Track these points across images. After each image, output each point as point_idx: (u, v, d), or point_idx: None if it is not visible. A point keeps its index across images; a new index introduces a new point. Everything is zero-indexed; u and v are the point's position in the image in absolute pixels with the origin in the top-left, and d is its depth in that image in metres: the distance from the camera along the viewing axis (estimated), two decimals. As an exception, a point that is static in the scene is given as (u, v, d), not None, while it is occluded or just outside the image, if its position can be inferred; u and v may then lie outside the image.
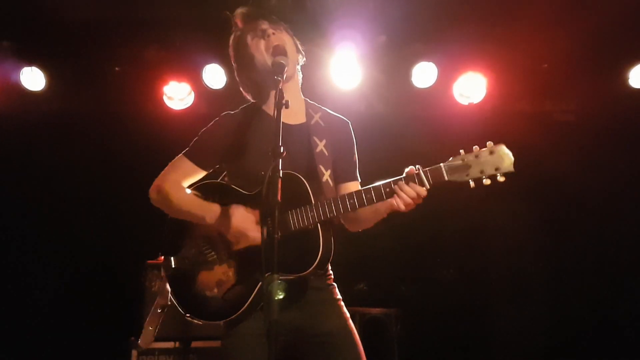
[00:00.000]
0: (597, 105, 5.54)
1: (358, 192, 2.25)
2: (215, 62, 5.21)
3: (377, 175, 2.32)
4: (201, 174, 2.51)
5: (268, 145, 2.01)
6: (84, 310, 5.59)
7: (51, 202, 5.57)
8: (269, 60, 2.39)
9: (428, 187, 2.16)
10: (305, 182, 2.30)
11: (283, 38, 2.45)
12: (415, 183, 2.16)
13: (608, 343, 5.63)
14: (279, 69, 2.26)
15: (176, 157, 2.52)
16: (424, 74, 5.24)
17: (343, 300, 2.53)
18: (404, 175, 2.19)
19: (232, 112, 2.57)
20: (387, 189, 2.20)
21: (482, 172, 2.11)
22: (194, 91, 5.44)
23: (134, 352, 4.33)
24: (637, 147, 5.48)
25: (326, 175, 2.43)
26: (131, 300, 4.67)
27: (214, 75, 5.24)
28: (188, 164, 2.48)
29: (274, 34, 2.43)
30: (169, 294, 2.48)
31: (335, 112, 2.67)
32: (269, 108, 2.52)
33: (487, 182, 2.12)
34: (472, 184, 2.14)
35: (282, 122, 2.06)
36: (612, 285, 5.66)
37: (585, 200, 5.65)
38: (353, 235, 2.61)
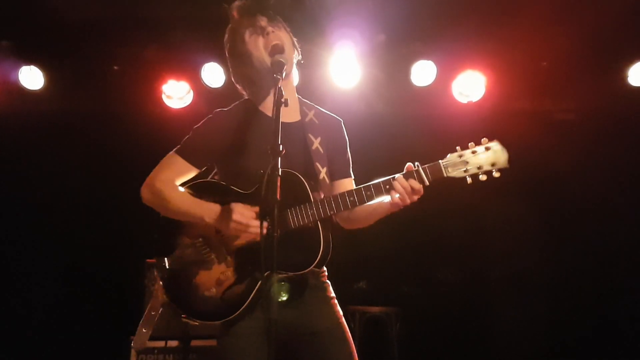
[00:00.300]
0: (596, 104, 5.54)
1: (358, 190, 2.26)
2: (214, 61, 5.20)
3: (376, 173, 2.32)
4: (193, 172, 2.46)
5: (265, 144, 1.99)
6: (83, 310, 5.59)
7: (50, 201, 5.57)
8: (267, 59, 2.36)
9: (427, 183, 2.20)
10: (303, 180, 2.29)
11: (281, 36, 2.42)
12: (415, 179, 2.19)
13: (608, 343, 5.64)
14: (278, 67, 2.25)
15: (167, 155, 2.47)
16: (423, 73, 5.24)
17: (343, 299, 2.52)
18: (404, 172, 2.22)
19: (225, 110, 2.53)
20: (387, 186, 2.22)
21: (479, 168, 2.18)
22: (192, 90, 5.44)
23: (134, 351, 4.33)
24: (637, 145, 5.47)
25: (323, 173, 2.43)
26: (131, 300, 4.67)
27: (213, 74, 5.24)
28: (180, 162, 2.43)
29: (273, 32, 2.40)
30: (164, 295, 2.44)
31: (333, 110, 2.67)
32: (265, 106, 2.50)
33: (483, 177, 2.19)
34: (469, 180, 2.19)
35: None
36: (612, 285, 5.66)
37: (586, 199, 5.65)
38: (353, 234, 2.61)
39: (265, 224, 1.95)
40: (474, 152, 2.19)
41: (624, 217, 5.62)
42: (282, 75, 2.21)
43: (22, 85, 5.24)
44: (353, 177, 2.60)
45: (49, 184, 5.56)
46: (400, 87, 5.42)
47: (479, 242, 6.02)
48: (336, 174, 2.55)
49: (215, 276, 2.34)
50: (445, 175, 2.20)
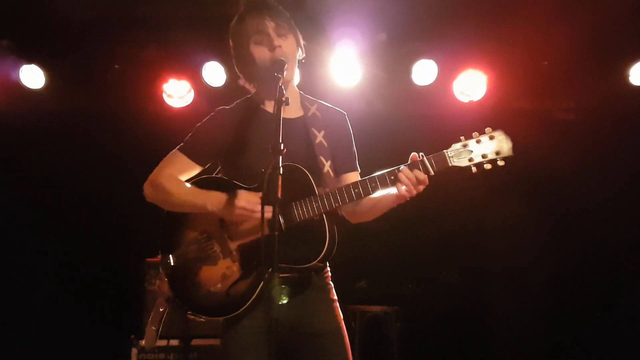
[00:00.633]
0: (597, 103, 5.53)
1: (363, 181, 2.25)
2: (215, 60, 5.19)
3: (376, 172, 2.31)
4: (196, 169, 2.46)
5: (267, 142, 1.99)
6: (84, 309, 5.59)
7: (51, 200, 5.56)
8: (269, 59, 2.36)
9: (432, 173, 2.19)
10: (307, 173, 2.29)
11: (288, 48, 2.40)
12: (420, 170, 2.18)
13: (608, 342, 5.64)
14: (279, 66, 2.25)
15: (170, 152, 2.47)
16: (424, 72, 5.23)
17: (344, 298, 2.52)
18: (409, 162, 2.21)
19: (228, 107, 2.54)
20: (392, 177, 2.21)
21: (484, 156, 2.18)
22: (193, 89, 5.43)
23: (134, 351, 4.33)
24: (638, 144, 5.47)
25: (327, 166, 2.42)
26: (131, 299, 4.67)
27: (214, 73, 5.23)
28: (183, 159, 2.43)
29: (279, 47, 2.37)
30: (170, 292, 2.45)
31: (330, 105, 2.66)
32: (268, 103, 2.51)
33: (488, 166, 2.19)
34: (474, 169, 2.19)
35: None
36: (612, 285, 5.66)
37: (586, 199, 5.65)
38: (353, 233, 2.61)
39: (268, 217, 1.94)
40: (478, 141, 2.18)
41: (624, 216, 5.62)
42: (282, 74, 2.21)
43: (23, 84, 5.24)
44: (359, 170, 2.58)
45: (49, 183, 5.56)
46: (401, 86, 5.42)
47: (479, 242, 6.01)
48: (341, 167, 2.53)
49: (221, 271, 2.34)
50: (450, 164, 2.19)
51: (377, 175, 2.24)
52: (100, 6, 4.78)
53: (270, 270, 1.83)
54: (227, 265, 2.34)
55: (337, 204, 2.25)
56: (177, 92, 5.41)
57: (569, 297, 5.73)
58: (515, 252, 5.85)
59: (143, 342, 3.97)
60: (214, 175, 2.53)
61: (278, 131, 2.00)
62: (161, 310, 3.32)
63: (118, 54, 5.31)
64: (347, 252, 2.50)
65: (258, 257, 2.25)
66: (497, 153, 2.17)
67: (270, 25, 2.39)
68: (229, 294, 2.31)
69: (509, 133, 2.19)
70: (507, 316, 5.75)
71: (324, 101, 2.65)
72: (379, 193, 2.28)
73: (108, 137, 5.56)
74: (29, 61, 5.19)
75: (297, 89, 2.61)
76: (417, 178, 2.18)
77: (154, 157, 2.49)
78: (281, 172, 1.93)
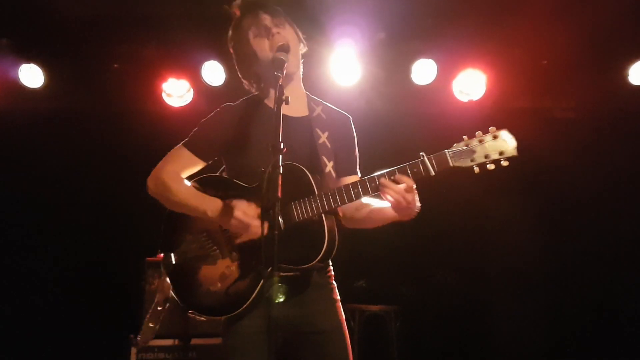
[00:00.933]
0: (596, 102, 5.54)
1: (362, 181, 2.22)
2: (214, 59, 5.19)
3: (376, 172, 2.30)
4: (200, 165, 2.47)
5: (269, 140, 1.98)
6: (83, 309, 5.58)
7: (50, 199, 5.56)
8: (270, 56, 2.36)
9: (433, 173, 2.14)
10: (307, 173, 2.28)
11: (287, 35, 2.42)
12: (420, 170, 2.14)
13: (608, 342, 5.64)
14: (278, 64, 2.24)
15: (175, 147, 2.48)
16: (423, 71, 5.23)
17: (343, 297, 2.51)
18: (409, 162, 2.17)
19: (233, 104, 2.54)
20: (392, 177, 2.18)
21: (486, 156, 2.10)
22: (193, 88, 5.43)
23: (133, 350, 4.33)
24: (637, 144, 5.47)
25: (329, 167, 2.42)
26: (130, 298, 4.67)
27: (213, 72, 5.23)
28: (187, 155, 2.44)
29: (278, 33, 2.40)
30: (170, 291, 2.45)
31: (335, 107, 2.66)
32: (271, 101, 2.50)
33: (491, 167, 2.12)
34: (476, 169, 2.12)
35: (284, 115, 2.04)
36: (612, 284, 5.66)
37: (585, 197, 5.65)
38: (353, 233, 2.60)
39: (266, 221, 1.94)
40: (481, 141, 2.11)
41: (624, 215, 5.62)
42: (282, 73, 2.20)
43: (22, 83, 5.24)
44: (359, 175, 2.57)
45: (48, 182, 5.55)
46: (401, 85, 5.42)
47: (478, 241, 6.02)
48: (342, 170, 2.53)
49: (220, 271, 2.34)
50: (451, 165, 2.12)
51: (376, 175, 2.22)
52: (99, 5, 4.77)
53: (269, 269, 1.83)
54: (226, 264, 2.34)
55: (336, 204, 2.23)
56: (176, 91, 5.41)
57: (568, 296, 5.73)
58: (514, 252, 5.85)
59: (139, 339, 3.96)
60: (217, 173, 2.53)
61: (278, 130, 1.99)
62: (159, 309, 3.31)
63: (117, 53, 5.30)
64: (346, 251, 2.50)
65: (257, 257, 2.25)
66: (501, 153, 2.09)
67: (266, 18, 2.43)
68: (229, 293, 2.31)
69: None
70: (506, 315, 5.75)
71: (327, 102, 2.65)
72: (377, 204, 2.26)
73: (107, 137, 5.56)
74: (28, 60, 5.19)
75: (304, 90, 2.61)
76: (404, 189, 2.14)
77: (154, 156, 2.49)
78: (281, 172, 1.93)
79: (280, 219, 2.20)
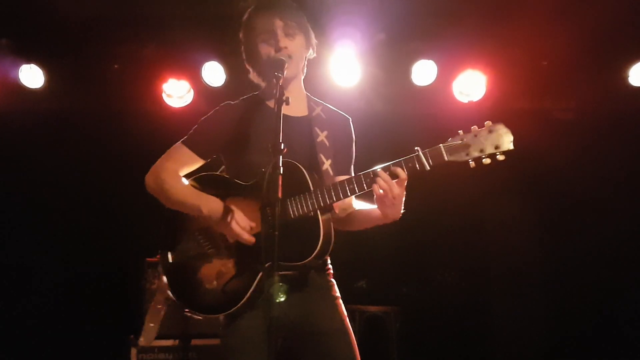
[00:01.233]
0: (596, 103, 5.54)
1: (357, 177, 2.22)
2: (214, 60, 5.19)
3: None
4: (199, 163, 2.47)
5: (269, 140, 1.99)
6: (83, 309, 5.58)
7: (50, 200, 5.56)
8: (272, 56, 2.38)
9: (428, 168, 2.13)
10: (303, 169, 2.27)
11: (295, 47, 2.42)
12: (415, 164, 2.14)
13: (608, 342, 5.64)
14: (279, 65, 2.25)
15: (174, 145, 2.48)
16: (423, 72, 5.23)
17: (343, 297, 2.51)
18: (404, 157, 2.16)
19: (233, 102, 2.55)
20: (387, 172, 2.17)
21: (481, 151, 2.09)
22: (193, 89, 5.43)
23: (134, 350, 4.33)
24: (637, 145, 5.48)
25: (326, 164, 2.41)
26: (131, 299, 4.67)
27: (214, 73, 5.23)
28: (186, 152, 2.44)
29: (286, 47, 2.38)
30: (167, 290, 2.45)
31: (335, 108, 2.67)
32: (272, 101, 2.51)
33: (487, 161, 2.09)
34: (472, 163, 2.10)
35: (284, 115, 2.05)
36: (612, 284, 5.66)
37: (585, 198, 5.65)
38: (353, 233, 2.61)
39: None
40: (476, 135, 2.09)
41: (624, 215, 5.62)
42: (282, 73, 2.21)
43: (22, 83, 5.23)
44: (353, 175, 2.57)
45: (48, 182, 5.55)
46: (401, 86, 5.42)
47: (478, 241, 6.02)
48: (339, 169, 2.52)
49: (216, 269, 2.34)
50: (446, 159, 2.11)
51: (372, 170, 2.20)
52: (99, 6, 4.77)
53: (267, 267, 1.82)
54: (223, 262, 2.33)
55: (331, 200, 2.22)
56: (176, 92, 5.41)
57: (568, 297, 5.73)
58: (514, 252, 5.86)
59: (142, 339, 3.96)
60: (218, 172, 2.53)
61: (278, 131, 1.99)
62: (159, 307, 3.32)
63: (117, 54, 5.30)
64: (346, 252, 2.50)
65: (254, 254, 2.25)
66: (497, 147, 2.07)
67: (278, 25, 2.40)
68: (225, 291, 2.30)
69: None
70: (507, 316, 5.75)
71: (327, 102, 2.65)
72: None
73: (107, 137, 5.56)
74: (28, 61, 5.18)
75: (305, 91, 2.62)
76: (394, 178, 2.13)
77: (154, 156, 2.49)
78: (281, 172, 1.93)
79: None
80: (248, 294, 2.26)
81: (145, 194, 2.47)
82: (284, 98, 2.08)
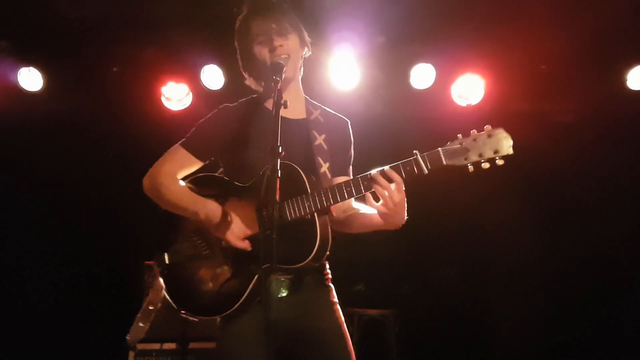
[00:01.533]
0: (595, 107, 5.55)
1: (355, 180, 2.20)
2: (213, 63, 5.20)
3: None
4: (197, 165, 2.47)
5: (267, 142, 1.99)
6: (82, 311, 5.57)
7: (49, 202, 5.56)
8: (268, 61, 2.38)
9: (426, 171, 2.11)
10: (301, 172, 2.27)
11: (290, 46, 2.42)
12: (413, 168, 2.12)
13: (608, 342, 5.64)
14: (277, 69, 2.25)
15: (172, 147, 2.49)
16: (422, 75, 5.25)
17: (341, 300, 2.50)
18: (402, 161, 2.15)
19: (232, 105, 2.55)
20: (383, 175, 2.16)
21: (480, 155, 2.06)
22: (192, 92, 5.44)
23: (131, 353, 4.32)
24: (635, 147, 5.49)
25: (324, 167, 2.41)
26: (130, 301, 4.65)
27: (212, 76, 5.24)
28: (184, 154, 2.45)
29: (281, 46, 2.39)
30: (162, 291, 2.44)
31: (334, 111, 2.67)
32: (270, 104, 2.51)
33: (485, 165, 2.07)
34: (470, 168, 2.09)
35: (282, 117, 2.05)
36: (610, 286, 5.67)
37: (584, 201, 5.66)
38: (351, 237, 2.60)
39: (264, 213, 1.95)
40: (475, 139, 2.07)
41: (622, 217, 5.63)
42: (281, 77, 2.21)
43: (21, 86, 5.24)
44: (351, 177, 2.56)
45: (47, 185, 5.55)
46: (400, 89, 5.42)
47: (478, 245, 6.02)
48: (336, 172, 2.53)
49: (212, 270, 2.33)
50: (444, 163, 2.09)
51: (369, 173, 2.19)
52: (98, 8, 4.77)
53: (264, 269, 1.82)
54: (218, 264, 2.33)
55: (328, 203, 2.21)
56: (175, 95, 5.41)
57: (568, 297, 5.73)
58: (513, 256, 5.85)
59: (128, 337, 3.93)
60: (216, 174, 2.53)
61: (276, 134, 1.99)
62: (151, 308, 3.30)
63: (116, 57, 5.31)
64: (345, 254, 2.50)
65: (250, 256, 2.25)
66: (496, 152, 2.05)
67: (271, 27, 2.42)
68: (221, 293, 2.30)
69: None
70: (507, 319, 5.74)
71: (326, 105, 2.66)
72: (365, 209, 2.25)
73: (106, 140, 5.56)
74: (27, 64, 5.19)
75: (303, 94, 2.62)
76: (391, 183, 2.12)
77: (152, 159, 2.49)
78: (279, 175, 1.93)
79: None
80: (244, 296, 2.25)
81: (144, 196, 2.47)
82: (282, 102, 2.09)
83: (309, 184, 2.26)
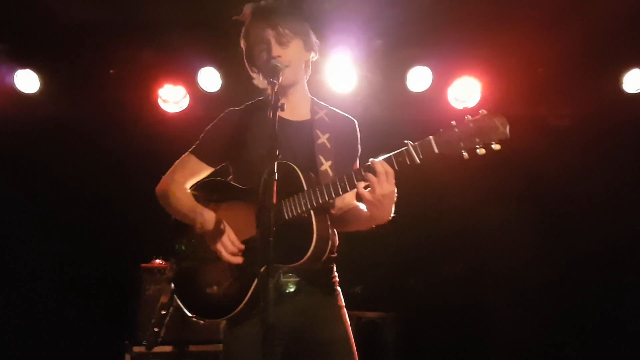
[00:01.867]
0: (591, 110, 5.56)
1: (348, 174, 2.18)
2: (210, 65, 5.20)
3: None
4: (208, 170, 2.50)
5: (267, 145, 1.99)
6: (79, 315, 5.56)
7: (46, 205, 5.55)
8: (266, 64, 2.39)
9: (418, 161, 2.06)
10: (297, 170, 2.27)
11: (290, 55, 2.41)
12: (405, 158, 2.08)
13: (608, 343, 5.65)
14: (274, 72, 2.25)
15: (183, 156, 2.52)
16: (418, 78, 5.25)
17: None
18: (393, 153, 2.12)
19: (238, 108, 2.57)
20: (374, 166, 2.13)
21: (475, 141, 2.00)
22: (189, 94, 5.43)
23: (127, 357, 4.31)
24: (631, 151, 5.51)
25: (325, 165, 2.40)
26: (127, 304, 4.65)
27: (209, 78, 5.24)
28: (194, 161, 2.48)
29: (279, 56, 2.38)
30: (173, 295, 2.48)
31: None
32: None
33: (481, 151, 2.00)
34: (465, 155, 2.01)
35: (287, 120, 2.06)
36: (610, 287, 5.68)
37: (580, 204, 5.68)
38: (349, 238, 2.61)
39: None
40: (469, 124, 2.03)
41: (620, 220, 5.64)
42: (277, 80, 2.21)
43: (17, 88, 5.23)
44: None
45: (44, 188, 5.54)
46: (396, 92, 5.42)
47: (475, 248, 6.02)
48: (339, 171, 2.47)
49: (217, 274, 2.35)
50: (436, 151, 2.02)
51: (363, 167, 2.16)
52: (95, 11, 4.77)
53: (262, 271, 1.82)
54: (223, 267, 2.34)
55: (323, 200, 2.19)
56: (172, 97, 5.41)
57: (566, 299, 5.73)
58: (511, 257, 5.86)
59: (145, 344, 3.89)
60: (220, 178, 2.56)
61: (274, 137, 1.99)
62: (163, 313, 3.32)
63: (113, 59, 5.30)
64: (343, 256, 2.50)
65: (251, 259, 2.27)
66: (492, 136, 1.99)
67: (271, 35, 2.41)
68: (225, 295, 2.32)
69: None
70: (505, 320, 5.74)
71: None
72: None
73: (103, 142, 5.54)
74: (24, 66, 5.18)
75: (309, 95, 2.62)
76: (384, 174, 2.07)
77: (150, 161, 2.51)
78: (276, 178, 1.92)
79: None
80: (246, 298, 2.26)
81: (142, 198, 2.49)
82: (279, 104, 2.08)
83: (305, 181, 2.25)
